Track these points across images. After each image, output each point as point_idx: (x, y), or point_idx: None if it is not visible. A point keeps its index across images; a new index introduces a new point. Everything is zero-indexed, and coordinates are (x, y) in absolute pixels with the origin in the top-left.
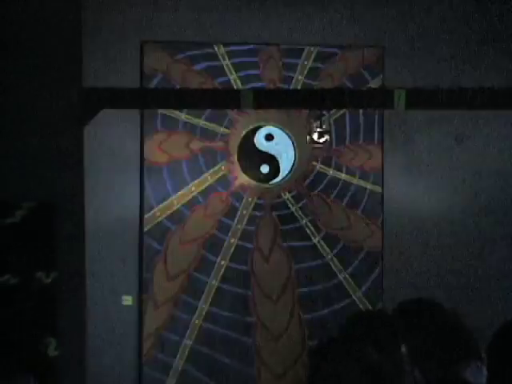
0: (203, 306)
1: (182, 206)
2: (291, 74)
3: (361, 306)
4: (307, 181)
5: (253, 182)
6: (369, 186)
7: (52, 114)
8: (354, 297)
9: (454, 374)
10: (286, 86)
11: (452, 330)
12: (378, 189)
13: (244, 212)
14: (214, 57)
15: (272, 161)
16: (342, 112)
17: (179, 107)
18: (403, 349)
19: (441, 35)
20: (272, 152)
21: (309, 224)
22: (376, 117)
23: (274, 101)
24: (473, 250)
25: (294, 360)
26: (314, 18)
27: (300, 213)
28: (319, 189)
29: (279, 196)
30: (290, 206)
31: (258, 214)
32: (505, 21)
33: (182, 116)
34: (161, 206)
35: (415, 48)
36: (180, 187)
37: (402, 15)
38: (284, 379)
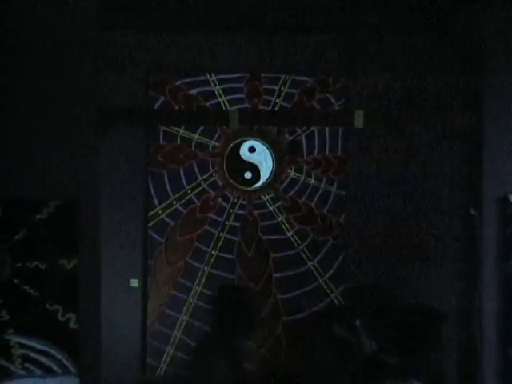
0: (197, 287)
1: (180, 205)
2: (270, 98)
3: (326, 289)
4: (283, 185)
5: (238, 186)
6: (333, 190)
7: (74, 127)
8: (320, 281)
9: (402, 343)
10: (265, 108)
11: (395, 308)
12: (342, 192)
13: (231, 211)
14: (207, 83)
15: (254, 169)
16: (311, 129)
17: (178, 124)
18: (358, 324)
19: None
20: (254, 161)
21: (284, 221)
22: (340, 132)
23: (256, 119)
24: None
25: (271, 333)
26: (289, 53)
27: (277, 211)
28: (293, 192)
29: (260, 198)
30: (268, 206)
31: (242, 212)
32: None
33: (180, 131)
34: (162, 205)
35: (372, 74)
36: (178, 190)
37: (361, 50)
38: (263, 348)
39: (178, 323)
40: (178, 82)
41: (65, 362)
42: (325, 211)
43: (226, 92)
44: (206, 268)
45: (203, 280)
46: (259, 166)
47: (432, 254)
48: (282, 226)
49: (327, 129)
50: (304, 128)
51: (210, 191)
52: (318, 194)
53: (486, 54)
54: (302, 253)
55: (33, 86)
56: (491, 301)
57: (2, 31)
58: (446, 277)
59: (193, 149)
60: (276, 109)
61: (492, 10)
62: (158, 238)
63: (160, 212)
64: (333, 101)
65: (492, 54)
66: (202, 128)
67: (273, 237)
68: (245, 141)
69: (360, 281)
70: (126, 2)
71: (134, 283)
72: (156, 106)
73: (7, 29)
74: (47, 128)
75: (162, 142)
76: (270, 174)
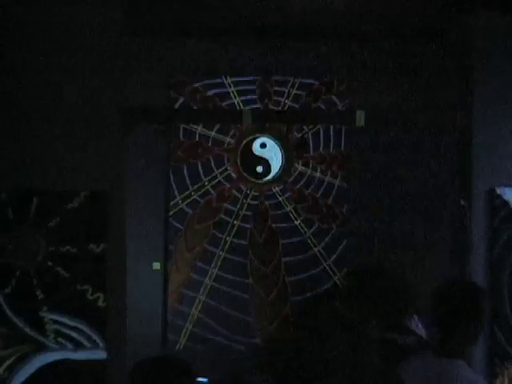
0: (213, 270)
1: (198, 196)
2: (280, 99)
3: (330, 272)
4: (291, 178)
5: (250, 179)
6: (337, 182)
7: (102, 126)
8: (325, 265)
9: (399, 322)
10: (276, 108)
11: (393, 289)
12: (345, 185)
13: (244, 201)
14: (222, 85)
15: (265, 163)
16: (317, 127)
17: (196, 122)
18: (356, 303)
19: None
20: (265, 156)
21: (292, 210)
22: (343, 131)
23: (267, 118)
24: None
25: (279, 311)
26: (298, 58)
27: (286, 202)
28: (300, 184)
29: (270, 189)
30: (278, 196)
31: (254, 202)
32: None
33: (198, 129)
34: (182, 196)
35: (372, 78)
36: (196, 182)
37: (362, 56)
38: (272, 326)
39: (196, 302)
40: (196, 84)
41: (93, 336)
42: (329, 202)
43: (239, 93)
44: (221, 253)
45: (219, 263)
46: (270, 161)
47: (425, 240)
48: (290, 215)
49: (331, 127)
50: (310, 126)
51: (225, 183)
52: (322, 187)
53: (476, 57)
54: (308, 239)
55: (69, 90)
56: (480, 281)
57: (38, 38)
58: (438, 261)
59: (210, 145)
60: (285, 109)
61: (481, 20)
62: (178, 225)
63: (180, 202)
64: (337, 102)
65: (481, 58)
66: (218, 126)
67: (282, 225)
68: (257, 138)
69: (361, 264)
70: (149, 10)
71: (156, 266)
72: (176, 106)
73: (43, 36)
74: (79, 126)
75: (181, 138)
76: (280, 168)
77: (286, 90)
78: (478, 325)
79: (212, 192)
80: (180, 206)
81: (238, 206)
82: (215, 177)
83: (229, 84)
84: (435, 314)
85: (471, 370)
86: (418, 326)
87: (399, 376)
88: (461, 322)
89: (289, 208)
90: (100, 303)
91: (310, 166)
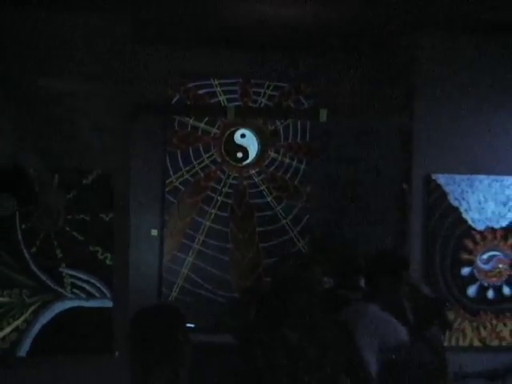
0: (200, 237)
1: (189, 176)
2: (257, 98)
3: (295, 240)
4: (265, 163)
5: (232, 163)
6: (302, 167)
7: (112, 117)
8: (291, 234)
9: (352, 282)
10: (254, 105)
11: (346, 255)
12: (309, 168)
13: (227, 181)
14: (211, 86)
15: (244, 150)
16: (287, 122)
17: (189, 115)
18: (316, 266)
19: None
20: (244, 145)
21: (265, 189)
22: (308, 125)
23: (247, 114)
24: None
25: (254, 271)
26: (273, 65)
27: (260, 182)
28: (272, 168)
29: (248, 172)
30: (254, 178)
31: (235, 182)
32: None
33: (190, 121)
34: (176, 175)
35: (333, 82)
36: (188, 164)
37: (325, 64)
38: (247, 282)
39: (186, 263)
40: (190, 84)
41: (102, 289)
42: (296, 183)
43: (224, 92)
44: (207, 223)
45: (205, 231)
46: (248, 148)
47: (374, 215)
48: (264, 193)
49: (299, 122)
50: (282, 121)
51: (211, 166)
52: (290, 170)
53: (417, 65)
54: (278, 213)
55: (85, 90)
56: (417, 250)
57: (60, 44)
58: (385, 233)
59: (199, 134)
60: (261, 106)
61: (424, 36)
62: (172, 199)
63: (174, 181)
64: (303, 101)
65: (423, 65)
66: (206, 119)
67: (257, 201)
68: (238, 129)
69: (320, 234)
70: (151, 23)
71: (154, 233)
72: (173, 102)
73: (63, 43)
74: (93, 118)
75: (176, 128)
76: (256, 154)
77: (263, 91)
78: (397, 283)
79: (200, 173)
80: (174, 184)
81: (222, 185)
82: (203, 160)
83: (216, 85)
84: (370, 274)
85: (385, 313)
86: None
87: (345, 322)
88: (385, 280)
89: (263, 187)
90: (108, 262)
91: (281, 153)
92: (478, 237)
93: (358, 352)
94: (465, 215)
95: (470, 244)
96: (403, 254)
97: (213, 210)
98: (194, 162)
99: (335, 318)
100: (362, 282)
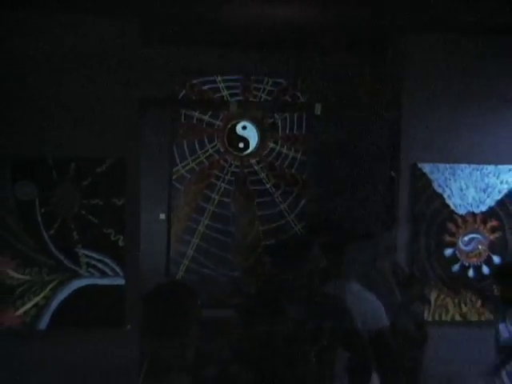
0: (205, 221)
1: (195, 164)
2: (257, 93)
3: (292, 224)
4: (264, 152)
5: (234, 153)
6: (299, 156)
7: (125, 111)
8: (288, 218)
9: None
10: (254, 100)
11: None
12: (305, 158)
13: (229, 169)
14: (215, 82)
15: (245, 141)
16: (285, 115)
17: (194, 109)
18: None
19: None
20: (245, 136)
21: (265, 177)
22: (304, 117)
23: (248, 107)
24: None
25: (254, 252)
26: (272, 62)
27: (260, 170)
28: (271, 157)
29: (248, 161)
30: (254, 166)
31: (236, 170)
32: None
33: (196, 114)
34: (182, 164)
35: (328, 79)
36: (193, 154)
37: (320, 62)
38: (248, 261)
39: (191, 244)
40: (194, 81)
41: (115, 267)
42: (293, 171)
43: (227, 88)
44: (211, 207)
45: (209, 215)
46: (249, 139)
47: (365, 201)
48: (263, 180)
49: (296, 115)
50: (280, 114)
51: (215, 155)
52: (288, 159)
53: (406, 64)
54: (276, 199)
55: (103, 87)
56: (404, 233)
57: (74, 45)
58: (375, 216)
59: (204, 126)
60: (261, 100)
61: (410, 38)
62: (179, 186)
63: (181, 169)
64: (300, 96)
65: (410, 63)
66: (210, 112)
67: (257, 187)
68: (239, 121)
69: (315, 219)
70: (159, 25)
71: (162, 216)
72: (180, 97)
73: (78, 44)
74: (108, 112)
75: (183, 120)
76: (256, 144)
77: (262, 87)
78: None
79: (205, 162)
80: (181, 172)
81: (224, 173)
82: (207, 150)
83: (219, 81)
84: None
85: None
86: None
87: (340, 296)
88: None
89: (262, 175)
90: (120, 243)
91: (279, 143)
92: (459, 220)
93: (354, 323)
94: (448, 201)
95: (452, 227)
96: (391, 236)
97: (216, 196)
98: (199, 152)
99: (330, 292)
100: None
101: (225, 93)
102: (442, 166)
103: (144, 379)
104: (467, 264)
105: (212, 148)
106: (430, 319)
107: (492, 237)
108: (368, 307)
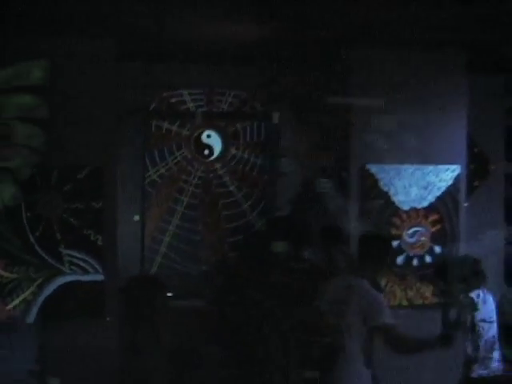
0: (175, 220)
1: (165, 170)
2: (220, 104)
3: (254, 222)
4: (228, 158)
5: (200, 159)
6: (259, 161)
7: (103, 123)
8: (250, 217)
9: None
10: (217, 110)
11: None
12: (264, 162)
13: (196, 173)
14: (181, 95)
15: (210, 148)
16: (245, 123)
17: (163, 120)
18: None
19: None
20: (210, 143)
21: (228, 180)
22: (263, 126)
23: (212, 118)
24: None
25: (220, 248)
26: (232, 77)
27: (224, 174)
28: (234, 162)
29: (213, 166)
30: (219, 171)
31: (202, 174)
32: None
33: (165, 124)
34: (153, 170)
35: (283, 90)
36: (163, 160)
37: (276, 75)
38: (215, 256)
39: (163, 242)
40: (164, 94)
41: (95, 265)
42: (254, 174)
43: (193, 101)
44: (180, 208)
45: (179, 216)
46: (213, 147)
47: (319, 199)
48: (228, 183)
49: (255, 123)
50: (241, 122)
51: (182, 162)
52: (249, 164)
53: (353, 72)
54: (239, 199)
55: (81, 101)
56: (354, 227)
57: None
58: (328, 213)
59: (172, 135)
60: (224, 111)
61: (358, 52)
62: (151, 190)
63: (152, 174)
64: (258, 106)
65: (357, 73)
66: (178, 122)
67: (221, 189)
68: (204, 131)
69: (275, 215)
70: (133, 43)
71: (136, 218)
72: (150, 108)
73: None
74: (88, 123)
75: (153, 130)
76: (220, 151)
77: (224, 99)
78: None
79: (174, 167)
80: (153, 177)
81: (192, 177)
82: (176, 157)
83: (185, 94)
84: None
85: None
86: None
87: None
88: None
89: (226, 178)
90: (99, 242)
91: (241, 150)
92: (404, 215)
93: (316, 304)
94: (393, 198)
95: (397, 221)
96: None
97: (185, 198)
98: (169, 159)
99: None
100: (307, 254)
101: (191, 105)
102: (387, 166)
103: (122, 361)
104: (411, 254)
105: (180, 155)
106: None
107: (433, 229)
108: (370, 303)
